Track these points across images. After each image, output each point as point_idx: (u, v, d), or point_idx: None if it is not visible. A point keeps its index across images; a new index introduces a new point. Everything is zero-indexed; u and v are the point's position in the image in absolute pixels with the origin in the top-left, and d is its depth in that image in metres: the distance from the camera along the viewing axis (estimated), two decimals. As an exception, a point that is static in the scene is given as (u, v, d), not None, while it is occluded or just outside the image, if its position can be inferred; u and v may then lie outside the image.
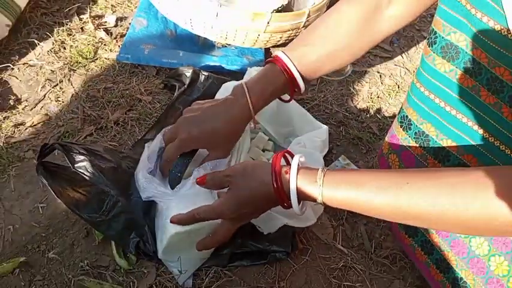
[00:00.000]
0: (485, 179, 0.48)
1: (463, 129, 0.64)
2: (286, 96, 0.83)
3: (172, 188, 0.83)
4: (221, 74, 1.18)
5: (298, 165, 0.61)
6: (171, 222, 0.72)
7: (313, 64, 0.76)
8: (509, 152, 0.59)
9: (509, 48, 0.53)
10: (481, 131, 0.61)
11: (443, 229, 0.68)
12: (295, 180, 0.59)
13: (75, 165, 0.85)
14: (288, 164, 0.67)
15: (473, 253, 0.66)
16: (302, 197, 0.60)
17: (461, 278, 0.69)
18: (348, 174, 0.57)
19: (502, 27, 0.53)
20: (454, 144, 0.66)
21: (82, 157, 0.86)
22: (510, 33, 0.52)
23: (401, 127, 0.76)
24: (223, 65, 1.22)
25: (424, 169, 0.56)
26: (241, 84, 0.76)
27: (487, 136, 0.61)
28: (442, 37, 0.62)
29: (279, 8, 1.27)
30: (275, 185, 0.60)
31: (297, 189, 0.59)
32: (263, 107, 0.79)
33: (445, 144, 0.67)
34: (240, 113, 0.75)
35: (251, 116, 0.76)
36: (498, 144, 0.60)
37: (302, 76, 0.76)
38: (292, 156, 0.67)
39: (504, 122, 0.57)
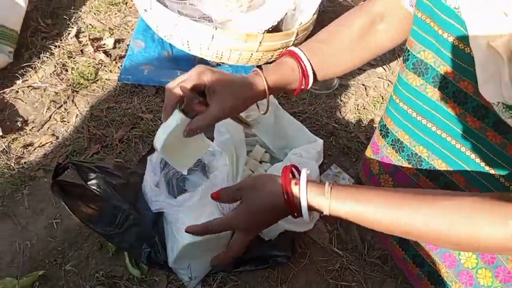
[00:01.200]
0: (478, 204, 0.55)
1: (433, 137, 0.72)
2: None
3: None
4: (217, 92, 1.25)
5: (307, 178, 0.66)
6: (186, 231, 0.74)
7: (320, 60, 0.80)
8: (473, 157, 0.67)
9: (471, 63, 0.60)
10: (448, 138, 0.69)
11: (438, 245, 0.74)
12: (306, 192, 0.63)
13: (88, 183, 0.90)
14: (294, 177, 0.71)
15: (446, 248, 0.73)
16: (310, 208, 0.65)
17: (436, 271, 0.76)
18: (354, 189, 0.63)
19: (465, 46, 0.60)
20: (425, 150, 0.74)
21: (94, 174, 0.91)
22: (471, 50, 0.60)
23: (380, 135, 0.83)
24: (218, 83, 1.29)
25: (423, 191, 0.62)
26: (256, 70, 0.76)
27: (454, 143, 0.69)
28: (414, 55, 0.70)
29: (270, 29, 1.35)
30: (285, 196, 0.64)
31: (307, 200, 0.64)
32: (274, 92, 0.78)
33: (417, 151, 0.75)
34: (255, 86, 0.73)
35: (263, 94, 0.74)
36: (464, 150, 0.68)
37: (312, 68, 0.79)
38: (298, 170, 0.71)
39: (469, 129, 0.65)
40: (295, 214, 0.65)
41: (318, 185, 0.64)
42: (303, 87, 0.79)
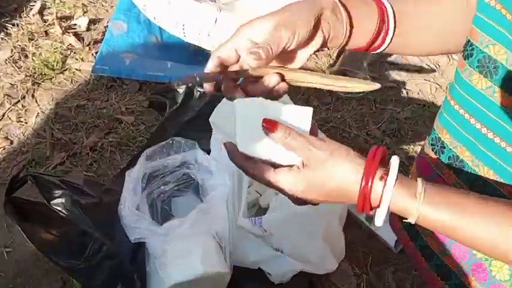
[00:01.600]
0: None
1: (501, 155, 0.72)
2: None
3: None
4: (218, 90, 1.26)
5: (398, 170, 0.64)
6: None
7: (401, 10, 0.78)
8: None
9: None
10: None
11: None
12: (392, 190, 0.62)
13: (51, 202, 0.91)
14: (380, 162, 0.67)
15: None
16: (393, 208, 0.63)
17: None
18: (449, 192, 0.64)
19: None
20: (491, 172, 0.74)
21: (59, 191, 0.92)
22: None
23: (432, 150, 0.83)
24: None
25: None
26: None
27: None
28: (480, 49, 0.70)
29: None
30: (363, 186, 0.61)
31: (391, 200, 0.62)
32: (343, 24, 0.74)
33: (481, 172, 0.75)
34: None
35: (332, 4, 0.66)
36: None
37: (394, 14, 0.77)
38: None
39: None
40: (364, 208, 0.62)
41: (409, 182, 0.62)
42: (381, 31, 0.72)
